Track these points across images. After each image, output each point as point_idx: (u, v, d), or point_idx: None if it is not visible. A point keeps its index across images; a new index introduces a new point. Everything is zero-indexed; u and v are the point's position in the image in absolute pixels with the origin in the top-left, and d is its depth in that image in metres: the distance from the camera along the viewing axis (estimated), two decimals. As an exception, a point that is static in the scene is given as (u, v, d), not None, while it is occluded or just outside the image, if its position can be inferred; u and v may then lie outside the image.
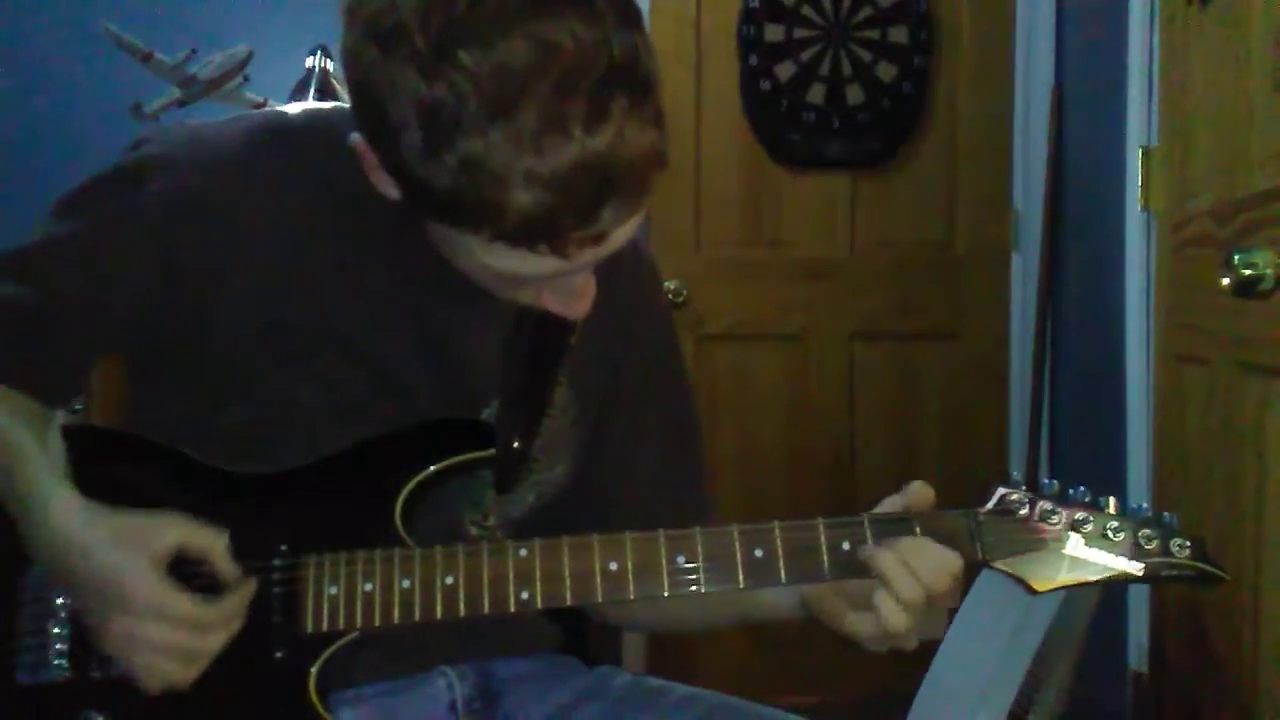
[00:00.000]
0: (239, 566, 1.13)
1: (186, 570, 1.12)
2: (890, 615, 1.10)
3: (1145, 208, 2.41)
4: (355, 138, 1.07)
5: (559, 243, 1.01)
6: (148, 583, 1.10)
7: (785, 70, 3.38)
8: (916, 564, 1.10)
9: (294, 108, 1.29)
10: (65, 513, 1.13)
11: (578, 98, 0.96)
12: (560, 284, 1.11)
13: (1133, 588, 2.33)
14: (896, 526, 1.14)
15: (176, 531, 1.12)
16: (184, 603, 1.10)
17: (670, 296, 3.23)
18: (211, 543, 1.13)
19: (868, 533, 1.13)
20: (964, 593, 1.15)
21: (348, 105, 1.08)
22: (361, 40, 1.00)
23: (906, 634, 1.12)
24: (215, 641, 1.12)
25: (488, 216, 0.99)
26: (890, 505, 1.16)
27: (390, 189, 1.06)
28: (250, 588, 1.13)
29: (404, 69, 0.97)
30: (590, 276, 1.12)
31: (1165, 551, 1.13)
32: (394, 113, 0.98)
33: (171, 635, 1.10)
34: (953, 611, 1.16)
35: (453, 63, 0.95)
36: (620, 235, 1.04)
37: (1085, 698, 2.23)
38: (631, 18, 1.00)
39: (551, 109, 0.95)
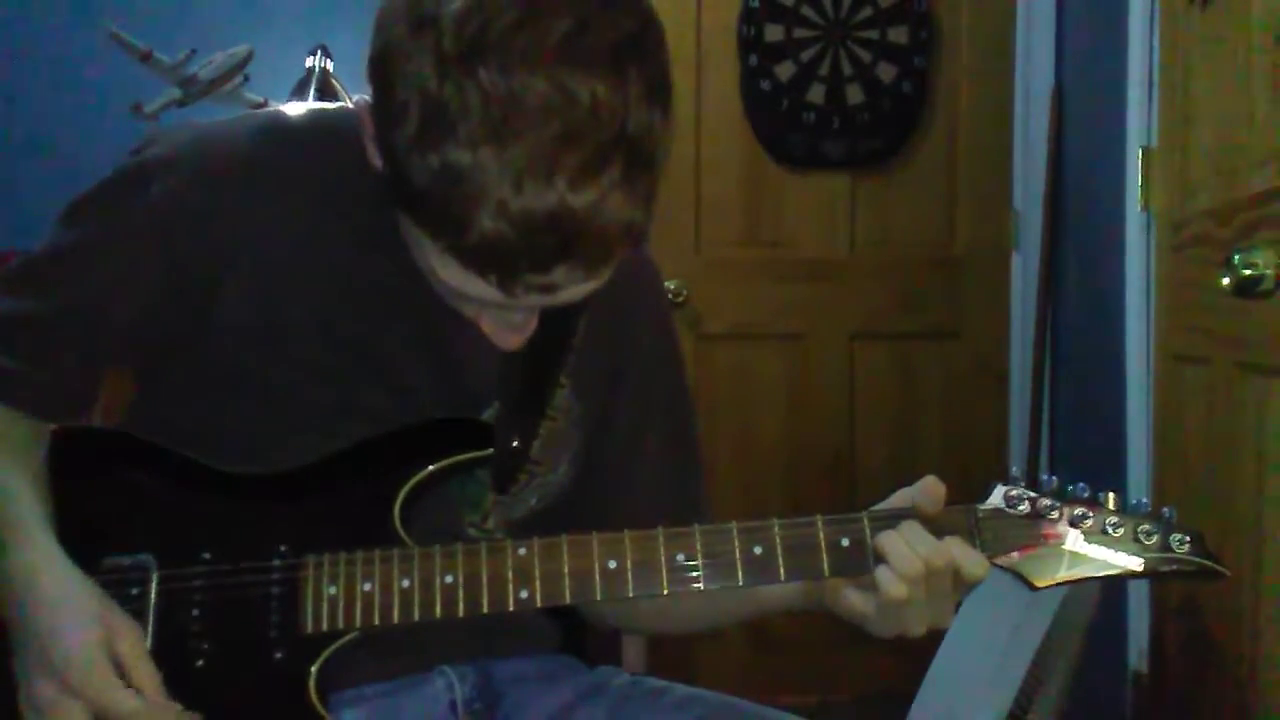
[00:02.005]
0: (173, 706, 1.10)
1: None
2: (888, 585, 1.10)
3: (1145, 208, 2.41)
4: (361, 99, 1.07)
5: (507, 280, 1.01)
6: (92, 663, 1.07)
7: (785, 70, 3.38)
8: (914, 539, 1.10)
9: (297, 108, 1.29)
10: (45, 563, 1.11)
11: (574, 153, 0.96)
12: (501, 314, 1.11)
13: (1132, 586, 2.33)
14: (895, 522, 1.13)
15: (135, 644, 1.10)
16: (120, 696, 1.08)
17: (670, 296, 3.23)
18: (150, 677, 1.09)
19: (866, 530, 1.13)
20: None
21: (350, 106, 1.08)
22: (398, 13, 1.00)
23: (907, 607, 1.11)
24: None
25: (449, 228, 0.99)
26: (900, 497, 1.16)
27: (376, 159, 1.06)
28: None
29: (423, 59, 0.97)
30: (533, 315, 1.12)
31: (1165, 547, 1.13)
32: (400, 95, 0.98)
33: None
34: (958, 603, 1.16)
35: (470, 74, 0.95)
36: (571, 292, 1.04)
37: (1085, 698, 2.23)
38: (659, 96, 1.00)
39: (545, 154, 0.95)
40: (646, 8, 1.04)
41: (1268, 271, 1.66)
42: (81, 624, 1.08)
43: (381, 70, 1.00)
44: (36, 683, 1.09)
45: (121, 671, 1.09)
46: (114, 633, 1.09)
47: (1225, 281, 1.68)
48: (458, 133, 0.96)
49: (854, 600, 1.14)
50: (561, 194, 0.96)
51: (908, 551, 1.10)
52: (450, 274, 1.04)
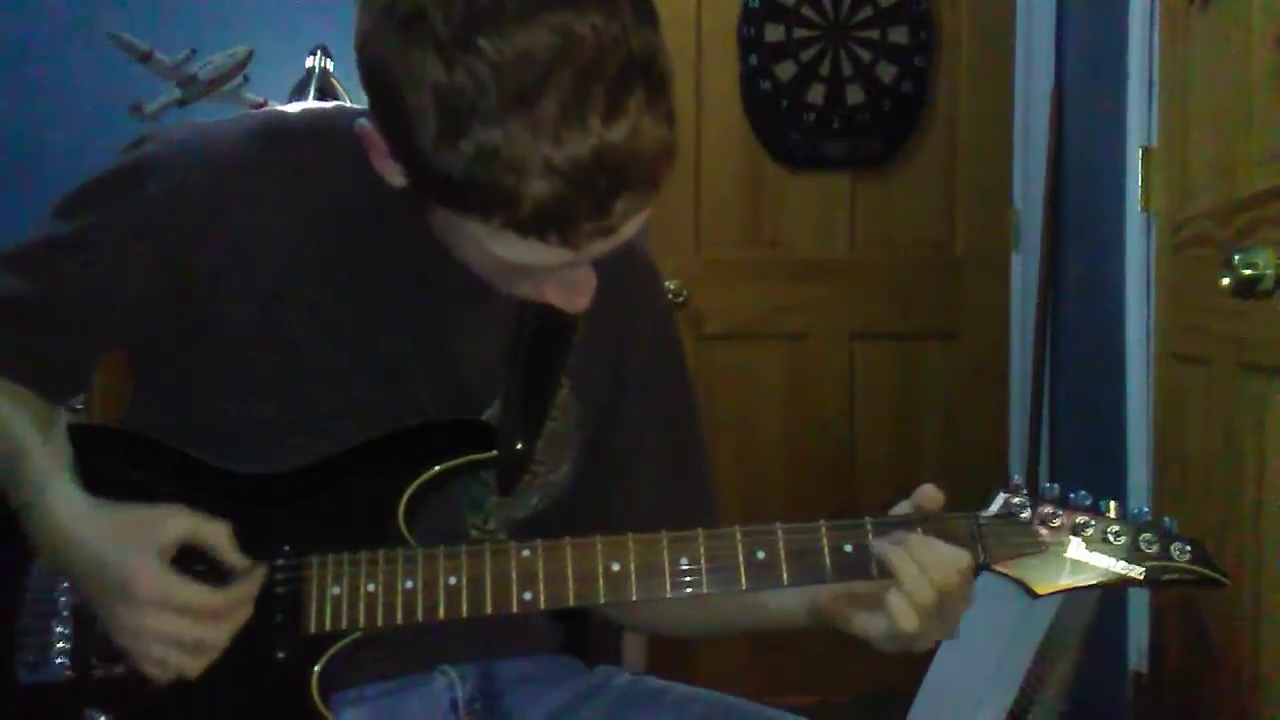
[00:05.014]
0: (245, 555, 1.14)
1: (192, 563, 1.13)
2: (901, 616, 1.10)
3: (1145, 208, 2.41)
4: (362, 123, 1.06)
5: (570, 234, 1.01)
6: (152, 574, 1.10)
7: (785, 70, 3.38)
8: (927, 563, 1.10)
9: (294, 108, 1.29)
10: (68, 507, 1.14)
11: (597, 90, 0.96)
12: (563, 276, 1.11)
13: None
14: (898, 528, 1.14)
15: (179, 523, 1.13)
16: (190, 591, 1.11)
17: (670, 296, 3.23)
18: (215, 533, 1.13)
19: (869, 535, 1.13)
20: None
21: (348, 105, 1.08)
22: (380, 25, 1.00)
23: (918, 635, 1.12)
24: (224, 631, 1.12)
25: (501, 204, 1.00)
26: (900, 510, 1.16)
27: (396, 177, 1.06)
28: (260, 575, 1.14)
29: (424, 56, 0.97)
30: (591, 270, 1.12)
31: (1165, 555, 1.13)
32: (411, 100, 0.98)
33: (178, 625, 1.11)
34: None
35: (473, 50, 0.95)
36: (629, 228, 1.05)
37: (1085, 698, 2.23)
38: (648, 15, 1.02)
39: (571, 100, 0.96)
40: None
41: (1268, 271, 1.66)
42: (120, 542, 1.11)
43: (384, 83, 1.00)
44: (117, 615, 1.11)
45: (198, 549, 1.13)
46: (154, 531, 1.12)
47: (1225, 281, 1.68)
48: (481, 111, 0.96)
49: (863, 623, 1.15)
50: (599, 133, 0.97)
51: (924, 581, 1.10)
52: (509, 250, 1.04)
